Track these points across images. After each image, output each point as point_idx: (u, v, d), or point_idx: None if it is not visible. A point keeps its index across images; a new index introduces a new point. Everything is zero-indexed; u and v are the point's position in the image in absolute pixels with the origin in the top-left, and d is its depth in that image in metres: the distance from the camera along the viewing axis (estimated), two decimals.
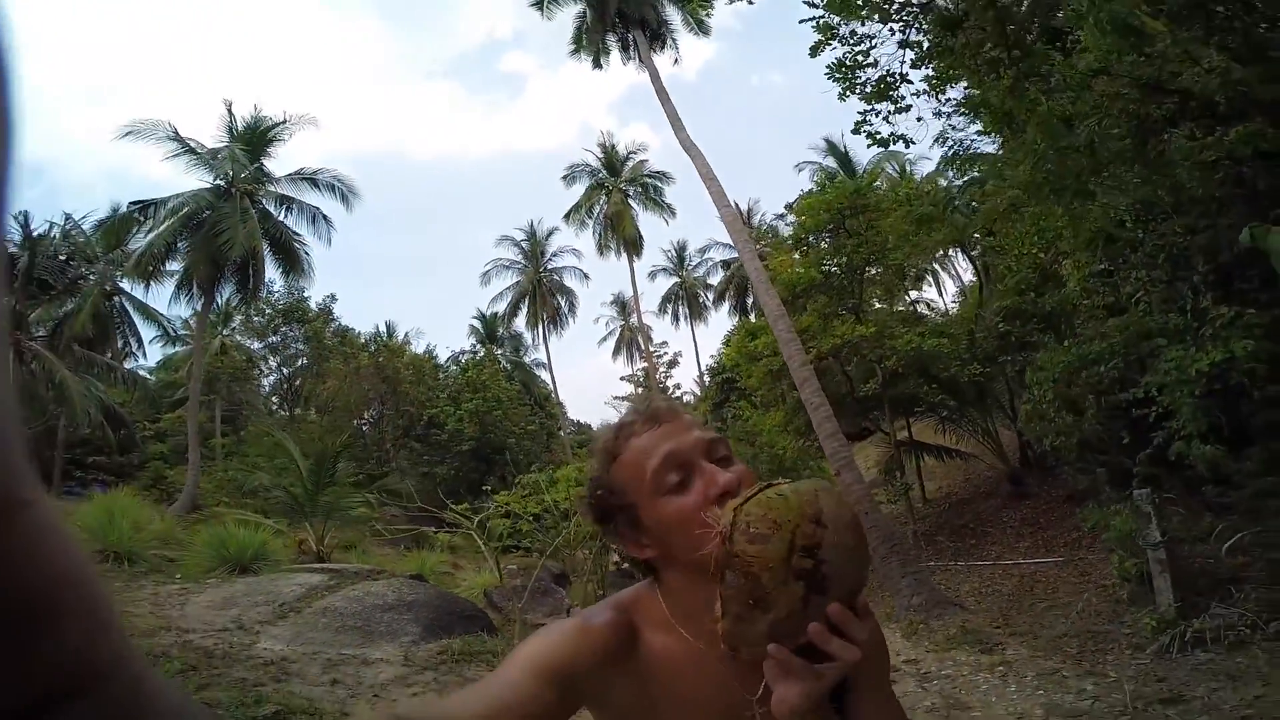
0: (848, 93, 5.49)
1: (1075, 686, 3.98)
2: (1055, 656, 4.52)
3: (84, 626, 0.19)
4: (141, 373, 22.02)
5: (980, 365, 8.41)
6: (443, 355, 29.39)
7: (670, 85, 13.51)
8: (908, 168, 14.06)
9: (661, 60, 16.43)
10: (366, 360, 21.87)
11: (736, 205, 27.19)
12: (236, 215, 15.46)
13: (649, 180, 26.71)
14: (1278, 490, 3.76)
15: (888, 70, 5.48)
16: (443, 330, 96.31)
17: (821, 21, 5.66)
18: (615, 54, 16.00)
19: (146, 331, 20.80)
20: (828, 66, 5.43)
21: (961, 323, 9.52)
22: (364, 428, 23.71)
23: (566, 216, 26.86)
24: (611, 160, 26.86)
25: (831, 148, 20.93)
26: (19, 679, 0.18)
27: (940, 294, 21.20)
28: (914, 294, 16.25)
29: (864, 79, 5.47)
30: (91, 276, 17.92)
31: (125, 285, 18.56)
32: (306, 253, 17.36)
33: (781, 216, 23.40)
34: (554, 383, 30.70)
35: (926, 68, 5.43)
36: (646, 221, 27.93)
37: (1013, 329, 7.94)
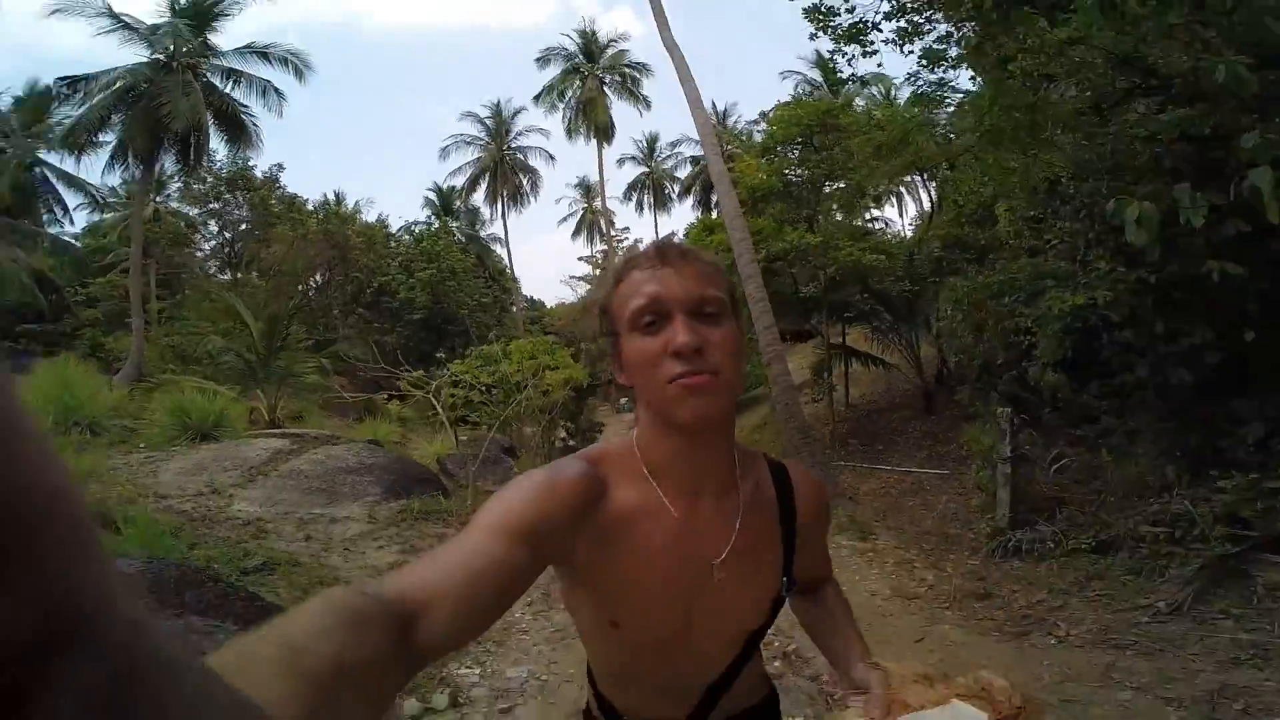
0: (820, 33, 5.60)
1: (920, 575, 4.82)
2: (913, 549, 5.47)
3: (69, 556, 0.16)
4: (66, 239, 21.23)
5: (912, 284, 9.11)
6: (395, 225, 28.78)
7: None
8: (892, 92, 13.99)
9: None
10: (315, 226, 21.25)
11: (714, 105, 26.52)
12: (179, 88, 14.99)
13: (627, 70, 25.78)
14: (1099, 421, 4.65)
15: (862, 18, 5.58)
16: (395, 201, 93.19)
17: None
18: None
19: (72, 199, 20.44)
20: (804, 9, 5.48)
21: (905, 244, 10.11)
22: (310, 294, 23.42)
23: (537, 98, 25.98)
24: (590, 47, 25.79)
25: (820, 60, 20.42)
26: None
27: (901, 215, 21.79)
28: (875, 212, 16.75)
29: (837, 23, 5.57)
30: (8, 150, 17.33)
31: (51, 158, 18.24)
32: (254, 124, 16.90)
33: (755, 122, 23.04)
34: (510, 258, 30.59)
35: (898, 20, 5.55)
36: (620, 110, 27.00)
37: (946, 256, 8.58)
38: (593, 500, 0.74)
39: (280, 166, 23.10)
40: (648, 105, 26.38)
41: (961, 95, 7.02)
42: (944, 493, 7.22)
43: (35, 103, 17.37)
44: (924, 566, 5.05)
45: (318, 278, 23.55)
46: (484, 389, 9.87)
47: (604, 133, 25.48)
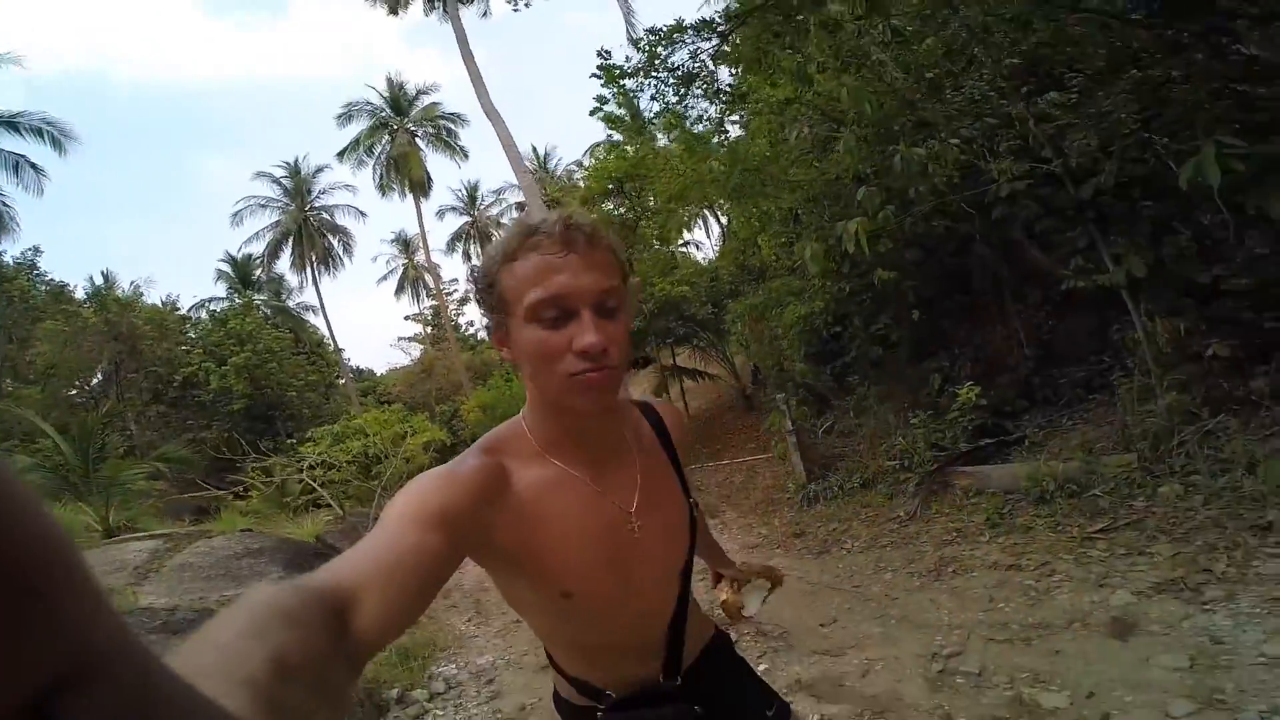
0: (609, 87, 7.02)
1: (757, 531, 6.37)
2: (750, 516, 7.08)
3: (79, 607, 0.18)
4: None
5: (713, 306, 11.11)
6: (186, 304, 26.59)
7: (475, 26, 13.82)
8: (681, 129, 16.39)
9: (468, 13, 16.10)
10: (91, 317, 19.32)
11: (533, 149, 27.77)
12: None
13: (442, 122, 26.02)
14: (853, 391, 6.65)
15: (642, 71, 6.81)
16: (179, 278, 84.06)
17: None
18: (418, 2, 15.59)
19: None
20: (596, 69, 6.77)
21: (705, 270, 12.14)
22: (91, 398, 21.00)
23: (341, 154, 25.40)
24: (398, 100, 25.69)
25: (647, 32, 22.56)
26: (19, 668, 0.16)
27: (708, 235, 24.61)
28: (686, 236, 19.14)
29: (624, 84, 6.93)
30: None
31: None
32: (6, 206, 15.61)
33: (577, 163, 24.64)
34: (330, 327, 29.38)
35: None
36: (436, 161, 27.19)
37: (733, 279, 10.67)
38: (496, 485, 0.76)
39: (37, 250, 20.67)
40: (465, 156, 26.82)
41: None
42: (769, 470, 9.07)
43: None
44: (759, 525, 6.63)
45: (98, 377, 21.30)
46: (346, 466, 10.24)
47: (420, 187, 25.51)
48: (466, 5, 16.24)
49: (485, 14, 16.71)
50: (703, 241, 24.45)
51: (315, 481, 10.10)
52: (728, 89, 7.40)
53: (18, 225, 16.07)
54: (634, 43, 6.46)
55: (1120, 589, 2.93)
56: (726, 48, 6.55)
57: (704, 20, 6.33)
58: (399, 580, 0.56)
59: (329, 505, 11.34)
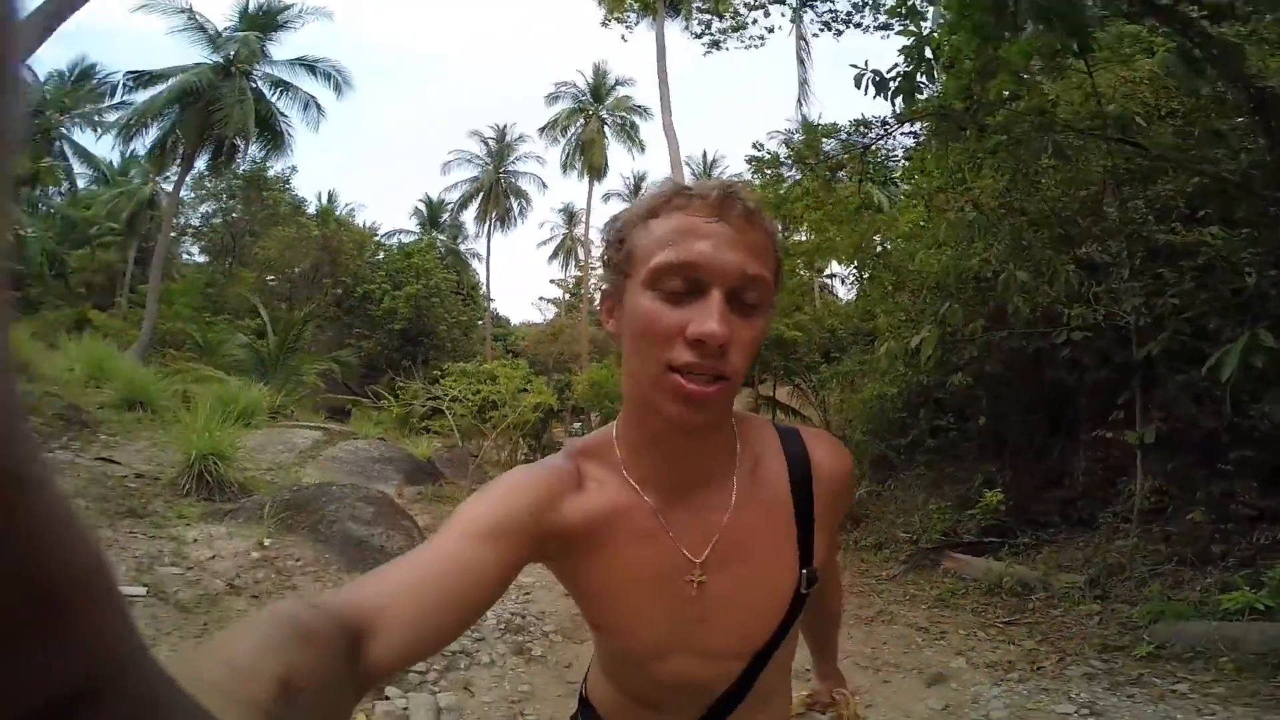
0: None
1: None
2: None
3: (100, 624, 0.19)
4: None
5: (822, 356, 11.83)
6: (381, 231, 30.86)
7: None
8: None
9: (672, 30, 17.17)
10: (315, 229, 23.27)
11: (704, 154, 29.25)
12: (234, 95, 16.99)
13: (628, 114, 28.19)
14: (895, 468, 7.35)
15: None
16: (382, 207, 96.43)
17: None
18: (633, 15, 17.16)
19: (80, 173, 22.94)
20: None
21: (821, 321, 12.81)
22: (293, 292, 25.07)
23: (541, 130, 28.39)
24: (599, 86, 28.09)
25: (804, 122, 23.32)
26: (35, 679, 0.17)
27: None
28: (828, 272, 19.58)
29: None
30: (39, 123, 19.66)
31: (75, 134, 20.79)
32: (290, 134, 19.05)
33: (739, 174, 25.68)
34: (488, 276, 32.87)
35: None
36: (615, 149, 29.19)
37: (845, 337, 11.33)
38: (566, 492, 0.69)
39: (294, 168, 25.11)
40: (642, 149, 28.99)
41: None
42: None
43: (75, 79, 19.51)
44: None
45: (303, 278, 25.38)
46: (470, 403, 12.15)
47: (597, 172, 27.97)
48: (673, 19, 17.47)
49: (687, 29, 17.87)
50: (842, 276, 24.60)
51: (450, 412, 11.92)
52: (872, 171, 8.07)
53: (292, 151, 19.79)
54: (805, 130, 7.23)
55: (960, 656, 3.81)
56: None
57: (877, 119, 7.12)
58: (434, 599, 0.52)
59: (438, 432, 13.29)
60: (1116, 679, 3.49)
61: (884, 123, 7.30)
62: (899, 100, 5.25)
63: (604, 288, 0.72)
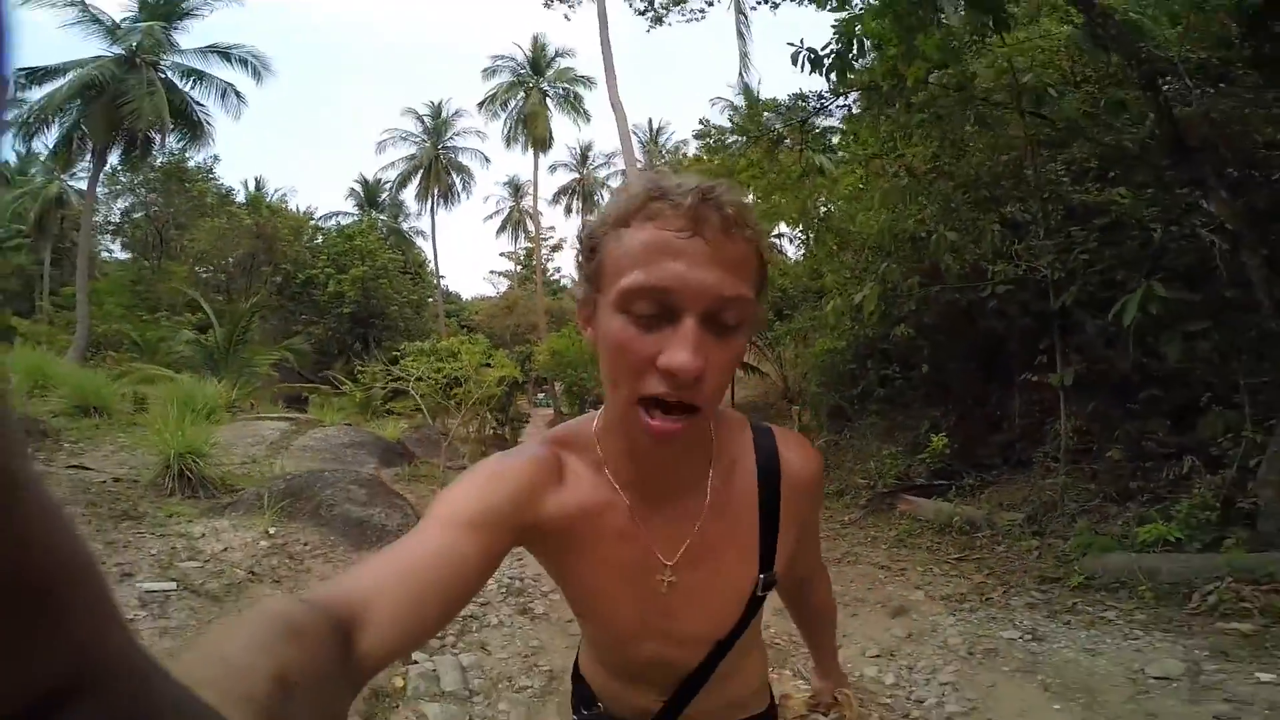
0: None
1: None
2: None
3: (90, 618, 0.19)
4: None
5: (774, 314, 12.34)
6: (318, 215, 29.90)
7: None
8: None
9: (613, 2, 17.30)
10: (246, 218, 22.49)
11: (649, 122, 29.09)
12: (143, 87, 16.20)
13: (571, 85, 27.87)
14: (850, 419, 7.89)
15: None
16: (315, 191, 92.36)
17: None
18: None
19: None
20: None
21: (770, 281, 13.30)
22: (230, 284, 24.22)
23: (481, 105, 27.93)
24: (539, 59, 27.67)
25: (746, 90, 23.46)
26: (24, 676, 0.17)
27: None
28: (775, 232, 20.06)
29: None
30: None
31: None
32: (209, 124, 18.30)
33: (685, 141, 25.84)
34: (436, 256, 32.36)
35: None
36: (559, 121, 28.92)
37: (795, 295, 11.85)
38: (547, 485, 0.71)
39: (216, 158, 24.13)
40: (587, 119, 28.61)
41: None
42: None
43: None
44: None
45: (238, 268, 24.49)
46: (433, 381, 12.20)
47: (542, 144, 27.64)
48: None
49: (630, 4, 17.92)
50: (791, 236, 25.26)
51: (415, 392, 11.93)
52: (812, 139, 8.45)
53: (213, 140, 19.04)
54: (748, 105, 7.51)
55: (919, 590, 4.32)
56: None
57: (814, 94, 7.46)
58: (414, 593, 0.52)
59: (400, 413, 13.30)
60: (1054, 608, 3.92)
61: (820, 96, 7.68)
62: (833, 76, 5.64)
63: (579, 295, 0.68)
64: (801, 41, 5.58)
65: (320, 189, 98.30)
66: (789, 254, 20.97)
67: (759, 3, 9.35)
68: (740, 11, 14.69)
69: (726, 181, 0.62)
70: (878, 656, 3.48)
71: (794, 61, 5.65)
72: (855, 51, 5.49)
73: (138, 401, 9.83)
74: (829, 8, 5.67)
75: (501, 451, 0.75)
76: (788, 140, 7.93)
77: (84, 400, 7.83)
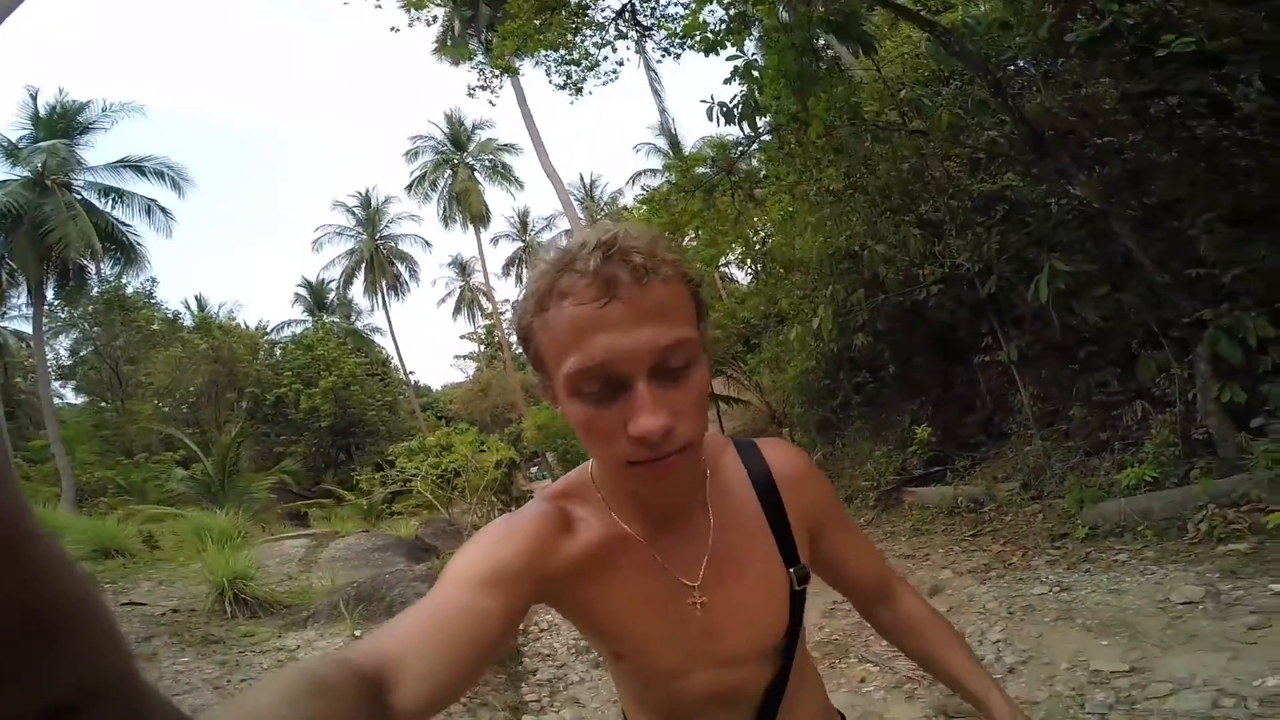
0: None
1: None
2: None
3: (94, 646, 0.22)
4: None
5: (743, 344, 13.01)
6: (270, 326, 29.79)
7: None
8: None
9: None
10: (199, 343, 22.41)
11: (581, 178, 29.90)
12: (62, 211, 15.76)
13: (496, 156, 28.74)
14: (840, 428, 8.52)
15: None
16: (259, 299, 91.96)
17: None
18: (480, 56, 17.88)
19: None
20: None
21: (732, 313, 14.01)
22: (197, 414, 23.90)
23: (409, 188, 28.57)
24: (458, 135, 28.47)
25: (672, 143, 24.62)
26: (35, 695, 0.20)
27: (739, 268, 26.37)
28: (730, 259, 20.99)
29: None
30: None
31: None
32: (139, 244, 18.05)
33: (619, 191, 26.86)
34: (398, 351, 32.41)
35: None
36: (492, 192, 29.60)
37: (759, 323, 12.57)
38: (556, 536, 0.72)
39: (154, 281, 23.84)
40: (520, 186, 29.44)
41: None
42: None
43: None
44: None
45: (201, 397, 24.18)
46: (430, 477, 12.51)
47: (480, 219, 28.25)
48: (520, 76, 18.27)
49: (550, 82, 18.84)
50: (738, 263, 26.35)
51: (421, 490, 12.16)
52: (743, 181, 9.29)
53: (149, 262, 18.62)
54: (675, 165, 8.31)
55: (946, 569, 4.82)
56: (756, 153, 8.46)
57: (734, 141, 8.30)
58: (445, 648, 0.54)
59: (400, 513, 13.45)
60: (1071, 560, 4.25)
61: (737, 143, 8.55)
62: (744, 125, 6.53)
63: (536, 381, 0.70)
64: (712, 97, 6.49)
65: (264, 298, 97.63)
66: (740, 279, 21.95)
67: (662, 56, 10.29)
68: (650, 69, 15.73)
69: (624, 226, 0.63)
70: None
71: (709, 116, 6.55)
72: (758, 96, 6.36)
73: (149, 541, 9.98)
74: (725, 56, 6.46)
75: (504, 515, 0.76)
76: (719, 188, 8.72)
77: (101, 544, 8.13)
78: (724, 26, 6.87)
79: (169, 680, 3.74)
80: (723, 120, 6.62)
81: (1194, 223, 4.71)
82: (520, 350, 0.70)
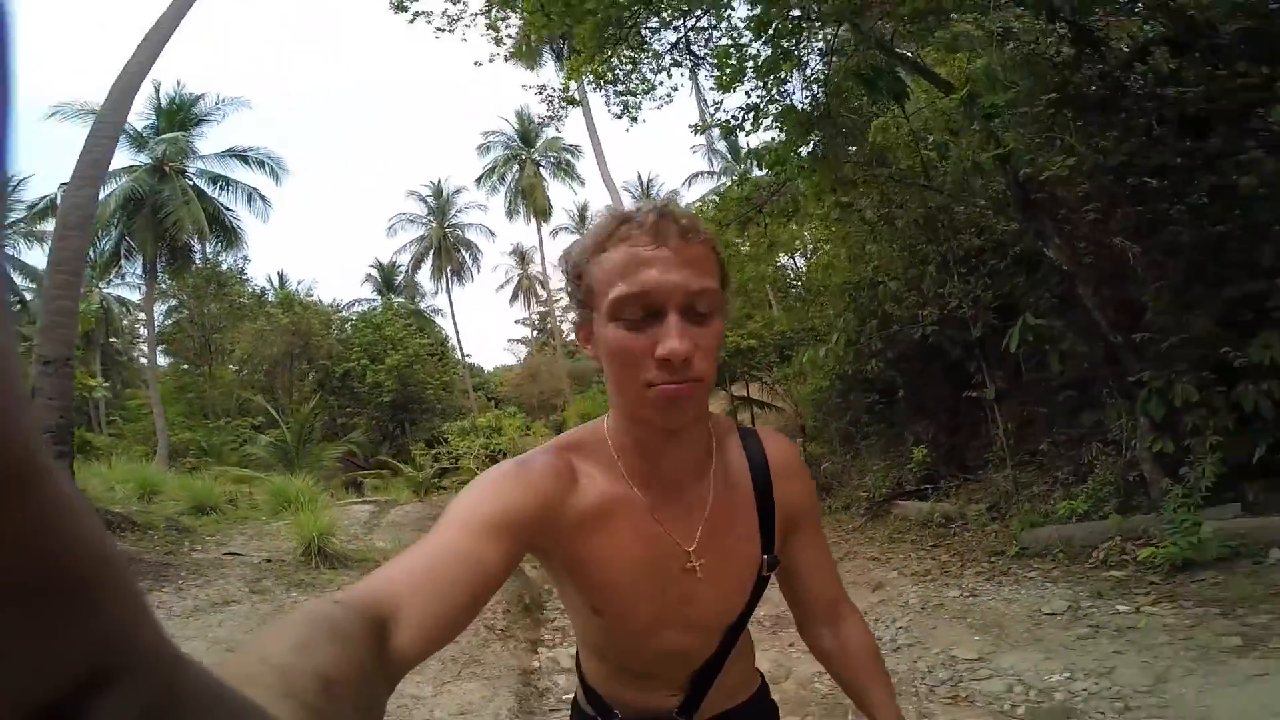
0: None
1: None
2: None
3: (119, 609, 0.19)
4: None
5: (778, 354, 13.87)
6: (343, 304, 32.01)
7: None
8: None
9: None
10: (281, 317, 24.40)
11: (639, 176, 30.94)
12: (178, 196, 17.87)
13: (560, 154, 30.15)
14: (852, 441, 9.39)
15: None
16: (333, 278, 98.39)
17: None
18: (550, 64, 18.85)
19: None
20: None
21: (771, 324, 14.85)
22: (272, 381, 25.94)
23: (478, 181, 30.31)
24: (527, 131, 29.81)
25: (709, 148, 25.53)
26: (57, 664, 0.17)
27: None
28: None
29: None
30: None
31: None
32: (241, 229, 20.29)
33: (675, 191, 27.81)
34: (457, 333, 34.21)
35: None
36: (555, 186, 31.12)
37: (794, 337, 13.41)
38: (562, 488, 0.78)
39: (246, 259, 26.33)
40: (582, 183, 31.13)
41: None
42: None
43: None
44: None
45: (279, 366, 26.24)
46: (479, 455, 13.84)
47: (543, 214, 29.75)
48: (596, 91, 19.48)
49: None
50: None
51: (470, 467, 13.52)
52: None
53: (247, 244, 21.15)
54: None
55: (895, 571, 5.75)
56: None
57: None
58: (446, 590, 0.57)
59: (449, 489, 14.71)
60: (995, 574, 5.10)
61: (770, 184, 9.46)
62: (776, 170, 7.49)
63: (575, 319, 0.81)
64: (748, 143, 7.44)
65: (337, 277, 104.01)
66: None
67: (711, 88, 11.24)
68: (700, 94, 16.61)
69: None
70: None
71: (742, 160, 7.52)
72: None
73: (232, 501, 11.42)
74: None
75: (511, 459, 0.80)
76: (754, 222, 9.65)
77: (198, 502, 9.40)
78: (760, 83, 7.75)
79: (286, 610, 4.82)
80: (756, 165, 7.58)
81: (1146, 290, 5.46)
82: (569, 329, 1.54)
